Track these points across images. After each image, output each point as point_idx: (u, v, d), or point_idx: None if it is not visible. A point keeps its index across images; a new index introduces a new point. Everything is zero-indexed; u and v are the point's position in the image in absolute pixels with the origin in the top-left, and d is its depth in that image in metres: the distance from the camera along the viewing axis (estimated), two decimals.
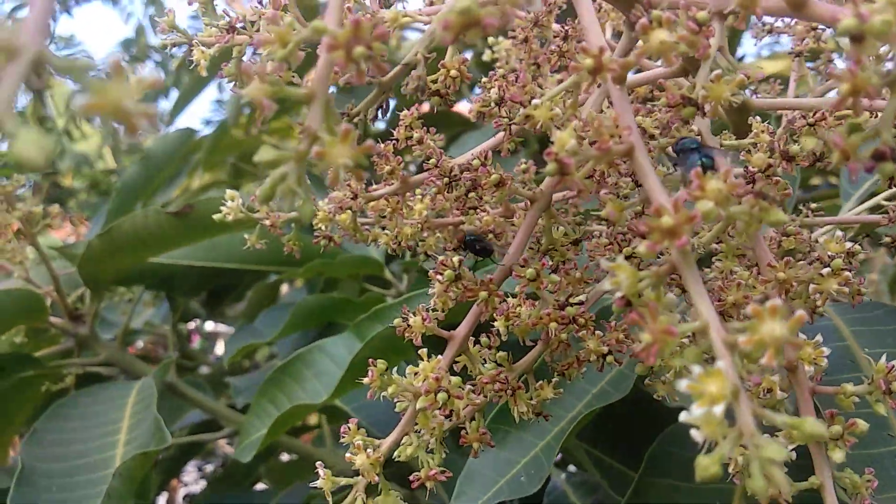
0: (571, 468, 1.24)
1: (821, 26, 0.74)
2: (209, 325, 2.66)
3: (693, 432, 0.31)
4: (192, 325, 2.43)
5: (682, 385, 0.29)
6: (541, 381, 0.55)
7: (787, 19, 0.77)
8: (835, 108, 0.31)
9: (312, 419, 1.64)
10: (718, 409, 0.28)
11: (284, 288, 2.03)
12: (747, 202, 0.33)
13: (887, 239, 0.65)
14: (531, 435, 0.74)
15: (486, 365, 0.55)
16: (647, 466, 0.79)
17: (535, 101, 0.40)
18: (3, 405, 1.30)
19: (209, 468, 2.39)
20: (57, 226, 1.38)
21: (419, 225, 0.66)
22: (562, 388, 0.57)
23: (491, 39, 0.91)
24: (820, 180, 1.68)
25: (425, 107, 0.54)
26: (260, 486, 1.92)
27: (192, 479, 2.57)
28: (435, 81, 0.49)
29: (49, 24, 0.21)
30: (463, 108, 1.93)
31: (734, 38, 1.83)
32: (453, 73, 0.46)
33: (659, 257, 0.34)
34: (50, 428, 1.07)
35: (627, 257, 0.55)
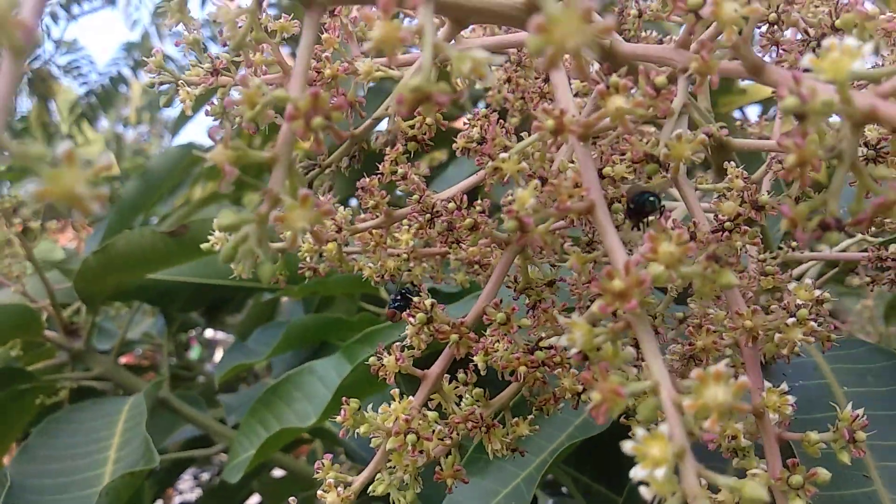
0: (563, 490, 1.24)
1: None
2: (209, 332, 2.67)
3: (642, 489, 0.31)
4: (191, 332, 2.43)
5: (627, 447, 0.30)
6: (516, 419, 0.56)
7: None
8: (786, 176, 0.31)
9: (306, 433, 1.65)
10: (660, 473, 0.29)
11: (283, 299, 2.04)
12: (699, 264, 0.34)
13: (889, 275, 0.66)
14: (513, 465, 0.74)
15: (463, 400, 0.56)
16: (629, 494, 0.80)
17: (502, 155, 0.41)
18: None
19: (205, 476, 2.39)
20: (54, 239, 1.39)
21: (406, 254, 0.67)
22: (539, 425, 0.58)
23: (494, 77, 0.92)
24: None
25: (428, 120, 0.55)
26: (253, 499, 1.93)
27: (187, 487, 2.58)
28: (412, 127, 0.50)
29: (12, 102, 0.22)
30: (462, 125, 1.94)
31: None
32: (429, 120, 0.47)
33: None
34: (41, 443, 1.08)
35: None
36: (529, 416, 0.56)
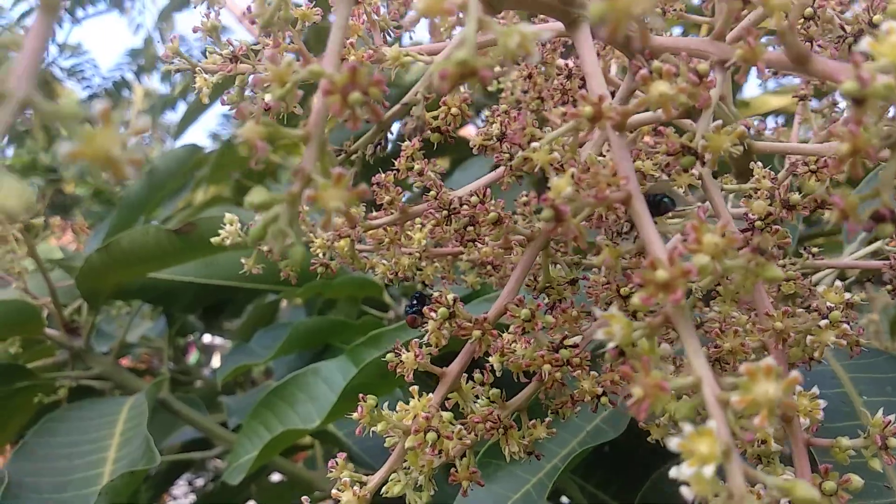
0: (564, 500, 1.23)
1: None
2: (206, 338, 2.65)
3: (683, 489, 0.30)
4: (189, 337, 2.42)
5: (673, 443, 0.29)
6: (534, 420, 0.54)
7: None
8: (835, 168, 0.30)
9: (306, 438, 1.63)
10: (708, 470, 0.28)
11: (283, 303, 2.03)
12: (744, 257, 0.33)
13: (888, 287, 0.65)
14: (523, 471, 0.73)
15: (478, 401, 0.54)
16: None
17: (533, 144, 0.39)
18: None
19: (199, 482, 2.36)
20: (58, 234, 1.38)
21: (417, 254, 0.66)
22: (555, 428, 0.56)
23: (497, 69, 0.91)
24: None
25: (453, 111, 0.54)
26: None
27: (181, 493, 2.55)
28: (436, 118, 0.49)
29: (37, 69, 0.21)
30: (469, 132, 1.94)
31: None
32: (454, 110, 0.45)
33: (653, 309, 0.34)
34: (39, 442, 1.06)
35: (626, 297, 0.55)
36: (547, 419, 0.55)
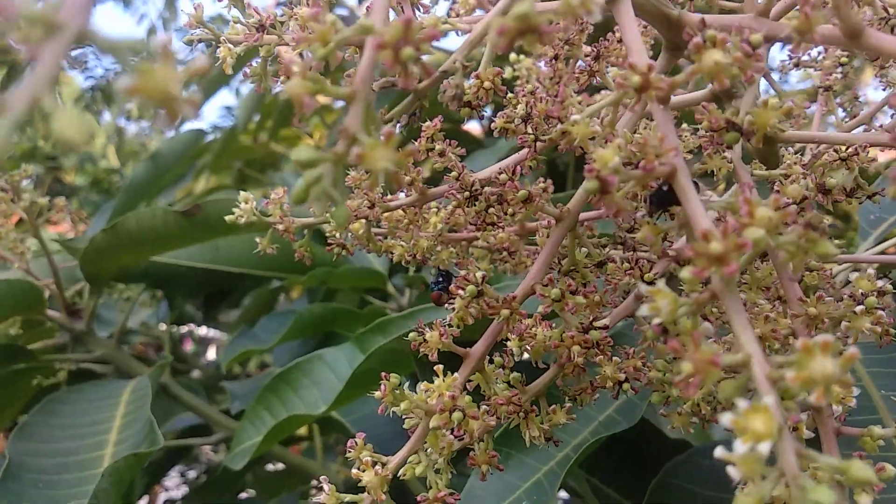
0: (563, 494, 1.22)
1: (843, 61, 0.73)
2: (202, 331, 2.64)
3: (730, 469, 0.29)
4: (184, 329, 2.40)
5: (726, 419, 0.28)
6: (553, 406, 0.53)
7: (813, 53, 0.76)
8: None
9: (303, 429, 1.62)
10: (764, 447, 0.27)
11: (281, 297, 2.02)
12: (795, 232, 0.32)
13: None
14: (534, 459, 0.72)
15: (498, 384, 0.54)
16: (650, 499, 0.77)
17: (574, 117, 0.38)
18: None
19: (192, 474, 2.35)
20: (56, 221, 1.37)
21: (434, 238, 0.65)
22: (579, 420, 0.56)
23: (513, 56, 0.90)
24: (829, 219, 1.67)
25: (486, 85, 0.53)
26: (245, 494, 1.89)
27: (173, 485, 2.53)
28: (467, 92, 0.48)
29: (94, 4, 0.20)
30: (471, 127, 1.93)
31: None
32: (487, 84, 0.44)
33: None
34: (40, 423, 1.05)
35: (649, 283, 0.54)
36: (567, 405, 0.54)
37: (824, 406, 0.45)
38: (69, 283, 1.35)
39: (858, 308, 0.44)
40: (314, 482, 1.60)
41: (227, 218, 0.65)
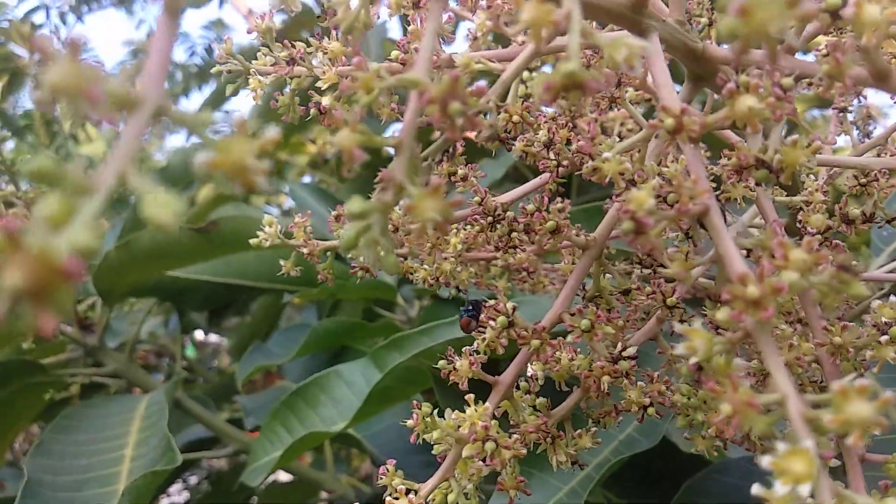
0: None
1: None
2: (199, 334, 2.63)
3: None
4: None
5: (765, 461, 0.29)
6: (579, 430, 0.54)
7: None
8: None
9: None
10: (805, 489, 0.28)
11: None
12: (828, 274, 0.33)
13: None
14: (556, 479, 0.72)
15: (525, 411, 0.54)
16: None
17: (605, 155, 0.39)
18: (6, 409, 1.28)
19: (193, 480, 2.34)
20: None
21: (453, 258, 0.66)
22: (599, 438, 0.56)
23: (525, 74, 0.91)
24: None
25: (514, 118, 0.54)
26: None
27: (174, 490, 2.53)
28: (492, 126, 0.48)
29: (166, 74, 0.21)
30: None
31: None
32: (515, 118, 0.45)
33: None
34: (56, 439, 1.06)
35: (671, 307, 0.55)
36: (593, 429, 0.55)
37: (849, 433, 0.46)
38: (81, 295, 1.36)
39: (883, 338, 0.45)
40: (323, 493, 1.60)
41: (251, 241, 0.65)
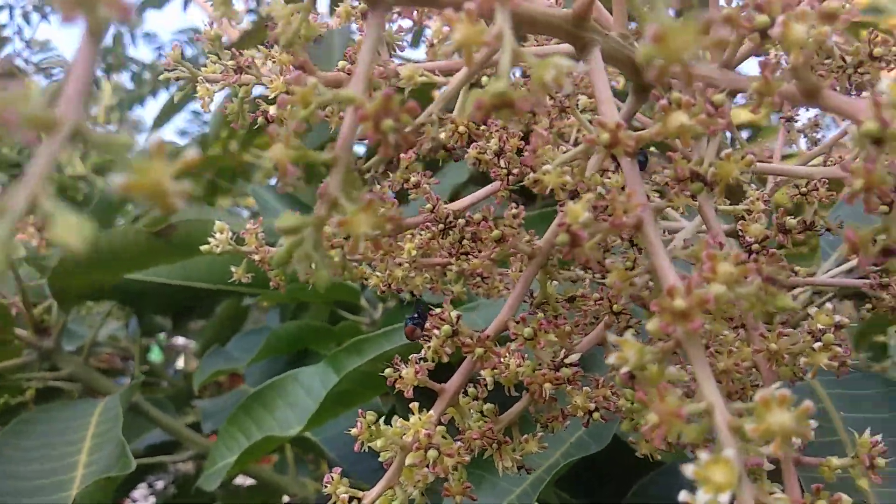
0: None
1: None
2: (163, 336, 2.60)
3: None
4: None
5: (688, 470, 0.29)
6: (525, 436, 0.55)
7: None
8: (848, 201, 0.31)
9: None
10: (724, 499, 0.29)
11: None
12: (755, 285, 0.34)
13: (868, 305, 0.67)
14: (506, 482, 0.73)
15: (472, 417, 0.55)
16: None
17: (545, 167, 0.40)
18: None
19: (159, 485, 2.32)
20: (20, 228, 1.35)
21: (408, 265, 0.66)
22: (546, 443, 0.57)
23: (485, 79, 0.91)
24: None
25: (461, 129, 0.54)
26: None
27: (140, 496, 2.50)
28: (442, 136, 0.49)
29: (87, 95, 0.21)
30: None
31: None
32: (461, 129, 0.46)
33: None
34: (11, 444, 1.04)
35: (617, 313, 0.56)
36: (539, 434, 0.56)
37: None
38: (37, 298, 1.34)
39: (817, 345, 0.46)
40: (285, 497, 1.59)
41: (202, 248, 0.65)
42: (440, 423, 0.53)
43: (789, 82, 0.36)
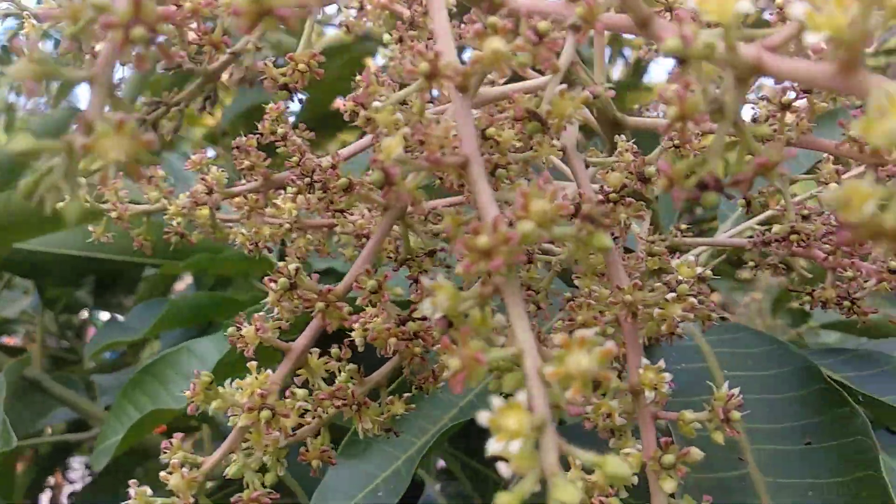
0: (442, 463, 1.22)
1: None
2: (105, 316, 2.52)
3: (500, 465, 0.29)
4: (84, 314, 2.29)
5: (482, 418, 0.27)
6: (391, 397, 0.53)
7: None
8: (665, 132, 0.29)
9: (194, 420, 1.57)
10: (515, 446, 0.27)
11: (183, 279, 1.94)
12: (574, 225, 0.32)
13: (750, 264, 0.66)
14: (395, 448, 0.71)
15: (338, 377, 0.52)
16: None
17: (375, 104, 0.37)
18: None
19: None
20: None
21: (288, 225, 0.63)
22: (421, 406, 0.55)
23: (387, 38, 0.88)
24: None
25: (301, 67, 0.51)
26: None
27: (78, 477, 2.43)
28: (284, 74, 0.46)
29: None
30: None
31: (639, 65, 1.87)
32: (301, 66, 0.43)
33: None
34: None
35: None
36: (406, 395, 0.53)
37: (640, 391, 0.46)
38: None
39: (670, 295, 0.45)
40: None
41: (57, 205, 0.61)
42: (305, 387, 0.50)
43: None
